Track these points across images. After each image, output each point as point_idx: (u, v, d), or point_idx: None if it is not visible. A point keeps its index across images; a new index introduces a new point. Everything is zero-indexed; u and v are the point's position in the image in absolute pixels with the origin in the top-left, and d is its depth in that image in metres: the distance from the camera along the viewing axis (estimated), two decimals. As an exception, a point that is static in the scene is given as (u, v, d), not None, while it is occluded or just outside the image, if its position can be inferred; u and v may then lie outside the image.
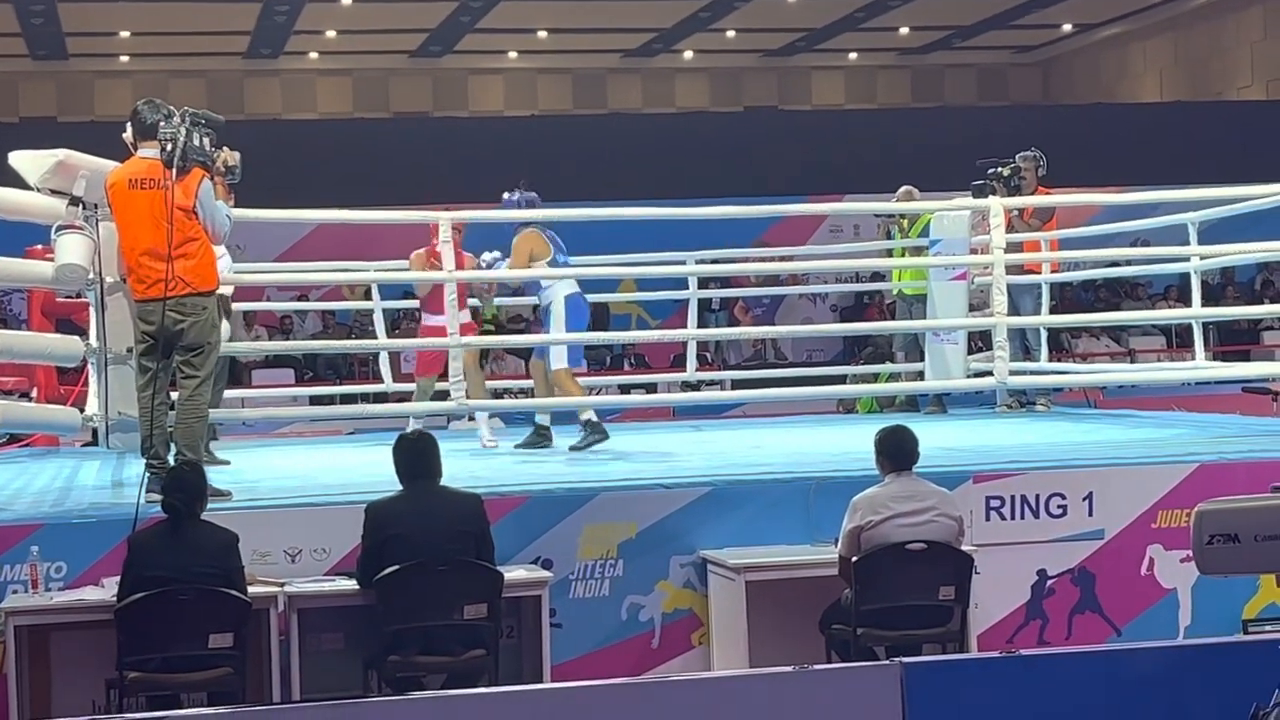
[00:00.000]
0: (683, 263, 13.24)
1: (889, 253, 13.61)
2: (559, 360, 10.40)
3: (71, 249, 9.48)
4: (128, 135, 8.39)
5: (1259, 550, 4.59)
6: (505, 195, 10.76)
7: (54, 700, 7.55)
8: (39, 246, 10.83)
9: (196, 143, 8.10)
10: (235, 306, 12.92)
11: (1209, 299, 15.96)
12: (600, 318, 21.85)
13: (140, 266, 8.18)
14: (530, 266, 10.46)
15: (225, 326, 9.63)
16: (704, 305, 20.27)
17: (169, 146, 8.05)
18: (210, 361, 8.33)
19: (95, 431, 10.49)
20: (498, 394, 11.59)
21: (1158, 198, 11.58)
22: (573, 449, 10.34)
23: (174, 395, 8.34)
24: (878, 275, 14.77)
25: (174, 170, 8.01)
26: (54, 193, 9.63)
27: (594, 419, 10.42)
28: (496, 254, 10.94)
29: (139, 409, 8.39)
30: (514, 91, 33.55)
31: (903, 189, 13.15)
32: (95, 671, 7.32)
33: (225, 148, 8.42)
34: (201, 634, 7.03)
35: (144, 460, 8.14)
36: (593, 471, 9.36)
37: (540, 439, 10.72)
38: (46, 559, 7.51)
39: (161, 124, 8.12)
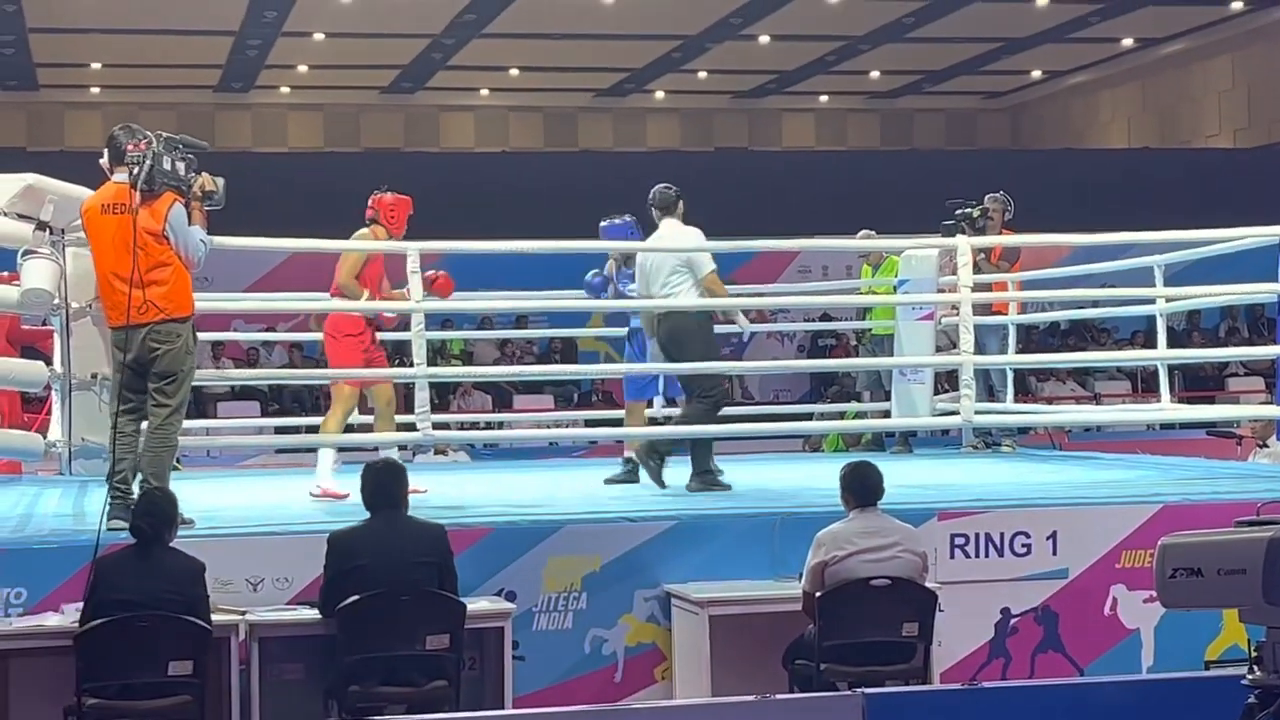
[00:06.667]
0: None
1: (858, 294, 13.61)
2: None
3: (37, 274, 9.43)
4: (104, 161, 8.33)
5: (1221, 584, 4.60)
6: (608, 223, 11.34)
7: (11, 727, 7.50)
8: (4, 273, 10.77)
9: (168, 167, 8.05)
10: (202, 336, 12.86)
11: (1174, 345, 16.02)
12: (569, 354, 21.92)
13: (113, 292, 8.11)
14: None
15: None
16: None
17: (135, 170, 8.00)
18: (183, 390, 8.20)
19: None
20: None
21: (1124, 239, 11.62)
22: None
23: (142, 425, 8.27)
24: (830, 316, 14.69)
25: (138, 193, 7.96)
26: (21, 217, 9.59)
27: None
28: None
29: (110, 437, 8.31)
30: (485, 129, 33.60)
31: (861, 232, 13.19)
32: (54, 698, 7.24)
33: (205, 173, 8.35)
34: (161, 661, 6.97)
35: (107, 487, 8.08)
36: (558, 504, 9.34)
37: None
38: (6, 585, 7.46)
39: (130, 148, 8.08)
